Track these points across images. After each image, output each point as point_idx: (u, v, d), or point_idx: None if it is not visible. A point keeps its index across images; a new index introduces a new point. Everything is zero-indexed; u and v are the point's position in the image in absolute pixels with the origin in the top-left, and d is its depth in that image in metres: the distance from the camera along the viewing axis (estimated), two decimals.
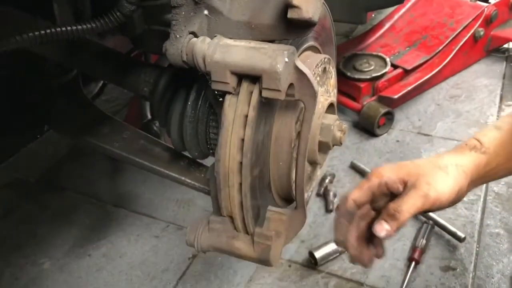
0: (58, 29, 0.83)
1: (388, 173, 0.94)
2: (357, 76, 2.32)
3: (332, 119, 0.98)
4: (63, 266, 1.72)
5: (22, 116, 1.28)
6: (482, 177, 0.98)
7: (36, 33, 0.79)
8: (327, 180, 1.97)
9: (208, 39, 0.80)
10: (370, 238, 0.94)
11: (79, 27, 0.82)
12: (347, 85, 2.34)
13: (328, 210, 1.87)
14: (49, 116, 1.26)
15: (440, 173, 0.92)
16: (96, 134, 1.18)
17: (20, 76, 1.26)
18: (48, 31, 0.82)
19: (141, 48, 1.23)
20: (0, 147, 1.33)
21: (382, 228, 0.88)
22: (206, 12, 0.82)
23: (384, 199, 0.95)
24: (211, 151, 1.05)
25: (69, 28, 0.83)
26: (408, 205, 0.88)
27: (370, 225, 0.93)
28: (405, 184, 0.93)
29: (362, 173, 2.03)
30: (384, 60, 2.40)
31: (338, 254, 1.67)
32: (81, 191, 2.04)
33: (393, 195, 0.93)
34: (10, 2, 0.98)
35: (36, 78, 1.26)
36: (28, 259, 1.75)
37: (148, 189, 2.02)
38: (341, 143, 0.99)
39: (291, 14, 0.72)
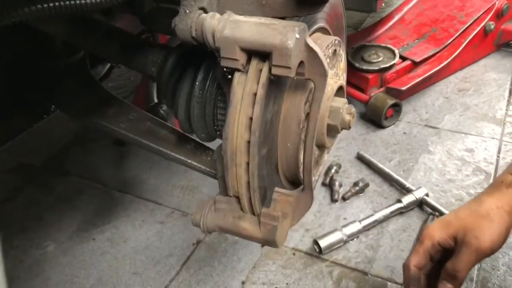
0: (67, 2, 0.82)
1: (438, 233, 1.04)
2: (365, 67, 2.30)
3: (341, 102, 0.97)
4: (67, 249, 1.73)
5: (30, 96, 1.27)
6: None
7: (45, 5, 0.79)
8: (333, 170, 1.96)
9: (218, 15, 0.79)
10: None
11: (88, 0, 0.81)
12: (355, 76, 2.32)
13: (333, 200, 1.86)
14: (56, 97, 1.25)
15: (484, 223, 1.00)
16: (102, 115, 1.18)
17: (27, 55, 1.26)
18: (56, 3, 0.82)
19: (149, 27, 1.23)
20: (6, 127, 1.32)
21: None
22: None
23: (439, 253, 1.06)
24: (218, 132, 1.04)
25: (77, 1, 0.82)
26: (464, 263, 0.98)
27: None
28: (455, 239, 1.02)
29: (368, 164, 2.02)
30: (392, 51, 2.38)
31: (342, 243, 1.66)
32: (86, 176, 2.04)
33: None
34: None
35: (43, 58, 1.25)
36: (33, 242, 1.76)
37: (154, 176, 2.02)
38: (349, 127, 0.98)
39: None
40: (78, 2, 0.81)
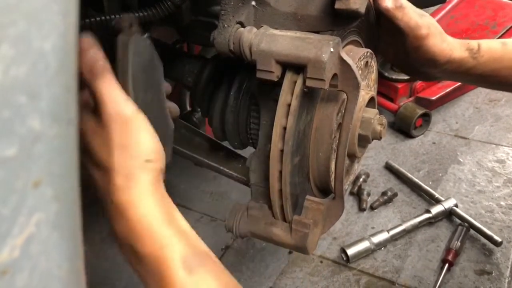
0: (111, 16, 0.86)
1: None
2: (394, 76, 2.30)
3: (372, 113, 0.99)
4: (100, 251, 1.78)
5: None
6: (456, 75, 1.02)
7: (90, 20, 0.83)
8: (361, 179, 1.97)
9: (255, 29, 0.82)
10: None
11: (132, 15, 0.86)
12: (384, 86, 2.33)
13: (361, 209, 1.87)
14: None
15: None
16: None
17: None
18: (100, 18, 0.87)
19: (186, 39, 1.27)
20: None
21: None
22: (253, 3, 0.84)
23: None
24: (250, 141, 1.07)
25: (121, 16, 0.86)
26: None
27: None
28: None
29: (396, 174, 2.02)
30: None
31: (370, 252, 1.67)
32: None
33: None
34: None
35: None
36: None
37: (184, 181, 2.07)
38: (380, 137, 1.00)
39: (338, 4, 0.74)
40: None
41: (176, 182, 2.07)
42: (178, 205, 2.01)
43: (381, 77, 2.32)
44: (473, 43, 1.00)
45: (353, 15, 0.76)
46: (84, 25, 0.86)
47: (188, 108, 1.82)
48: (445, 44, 0.95)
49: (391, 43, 1.05)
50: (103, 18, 0.88)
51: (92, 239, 1.83)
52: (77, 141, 0.32)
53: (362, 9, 0.75)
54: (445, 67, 0.98)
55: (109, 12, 1.02)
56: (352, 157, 1.03)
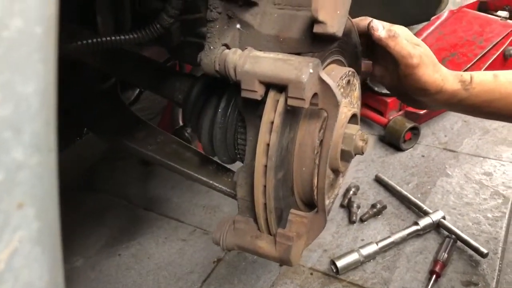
0: (104, 38, 0.91)
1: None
2: (384, 91, 2.35)
3: (354, 129, 1.02)
4: (95, 264, 1.81)
5: (65, 120, 1.37)
6: (448, 105, 1.05)
7: (84, 41, 0.88)
8: (351, 192, 2.00)
9: (239, 51, 0.86)
10: None
11: (123, 37, 0.90)
12: (374, 100, 2.38)
13: (351, 221, 1.90)
14: (89, 120, 1.34)
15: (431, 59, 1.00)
16: (132, 137, 1.26)
17: (63, 82, 1.36)
18: (94, 40, 0.91)
19: (177, 58, 1.31)
20: None
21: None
22: (238, 26, 0.88)
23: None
24: (238, 156, 1.11)
25: (113, 37, 0.91)
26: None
27: None
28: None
29: (386, 187, 2.06)
30: None
31: (359, 264, 1.70)
32: (113, 193, 2.13)
33: None
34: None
35: (78, 84, 1.35)
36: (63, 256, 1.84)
37: (177, 195, 2.10)
38: (362, 152, 1.04)
39: (316, 29, 0.78)
40: (113, 38, 0.90)
41: (169, 195, 2.10)
42: (171, 218, 2.04)
43: (371, 92, 2.37)
44: (466, 75, 1.04)
45: (331, 38, 0.80)
46: (81, 46, 0.90)
47: (181, 123, 1.86)
48: (437, 75, 0.99)
49: (386, 69, 1.09)
50: (98, 40, 0.92)
51: (87, 251, 1.86)
52: (57, 167, 0.36)
53: (339, 33, 0.80)
54: (436, 96, 1.02)
55: (103, 33, 1.07)
56: (336, 171, 1.07)
